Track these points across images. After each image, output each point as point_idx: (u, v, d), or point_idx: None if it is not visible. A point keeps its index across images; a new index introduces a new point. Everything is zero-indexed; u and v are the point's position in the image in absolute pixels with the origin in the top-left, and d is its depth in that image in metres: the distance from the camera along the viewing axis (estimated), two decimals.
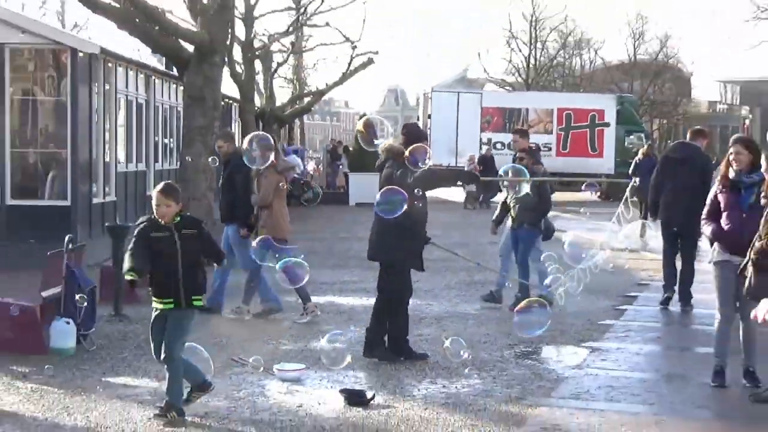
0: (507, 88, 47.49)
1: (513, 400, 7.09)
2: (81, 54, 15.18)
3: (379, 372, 7.95)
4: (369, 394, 7.08)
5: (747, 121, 56.72)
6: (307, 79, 31.13)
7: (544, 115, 29.69)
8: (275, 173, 9.89)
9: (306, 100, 29.15)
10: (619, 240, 12.71)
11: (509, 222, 10.59)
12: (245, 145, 8.54)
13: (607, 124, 29.35)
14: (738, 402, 7.15)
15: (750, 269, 6.40)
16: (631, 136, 30.72)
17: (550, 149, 28.11)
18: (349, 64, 28.31)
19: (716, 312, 7.61)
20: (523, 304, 7.89)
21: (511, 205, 10.40)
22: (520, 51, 50.91)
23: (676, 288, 11.06)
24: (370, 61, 27.68)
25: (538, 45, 50.99)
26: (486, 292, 10.80)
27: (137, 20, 15.25)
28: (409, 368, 7.97)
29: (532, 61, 50.84)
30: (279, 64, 28.98)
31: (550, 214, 11.18)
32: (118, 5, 15.03)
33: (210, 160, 11.67)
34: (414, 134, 8.42)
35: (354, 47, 28.01)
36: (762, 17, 40.59)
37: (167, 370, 6.68)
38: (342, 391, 7.14)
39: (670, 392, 7.56)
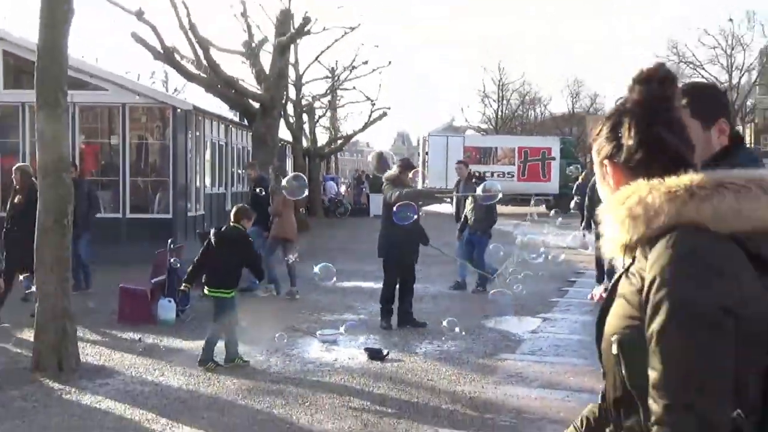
0: (482, 132, 46.96)
1: (487, 355, 7.05)
2: (179, 110, 14.66)
3: (392, 335, 7.86)
4: (384, 352, 7.00)
5: None
6: (339, 127, 30.64)
7: (509, 151, 28.96)
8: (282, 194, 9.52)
9: (339, 142, 28.51)
10: (565, 241, 12.52)
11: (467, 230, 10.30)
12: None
13: (554, 158, 28.64)
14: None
15: None
16: (571, 167, 30.00)
17: (513, 176, 27.47)
18: (370, 116, 27.57)
19: None
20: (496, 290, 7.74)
21: (470, 217, 10.15)
22: (491, 106, 50.36)
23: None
24: (384, 114, 27.28)
25: (504, 102, 50.44)
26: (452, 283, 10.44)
27: (219, 86, 14.75)
28: (412, 333, 7.89)
29: (499, 113, 50.23)
30: (320, 116, 28.13)
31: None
32: (205, 76, 14.45)
33: (257, 190, 10.77)
34: (406, 165, 8.52)
35: (373, 104, 27.33)
36: None
37: (226, 335, 6.67)
38: (365, 349, 7.07)
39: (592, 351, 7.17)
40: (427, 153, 28.24)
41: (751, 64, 43.24)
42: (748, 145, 2.05)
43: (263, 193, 10.09)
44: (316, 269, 7.38)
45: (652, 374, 1.13)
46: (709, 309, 1.13)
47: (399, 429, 4.99)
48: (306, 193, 7.52)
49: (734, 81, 42.21)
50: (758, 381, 1.20)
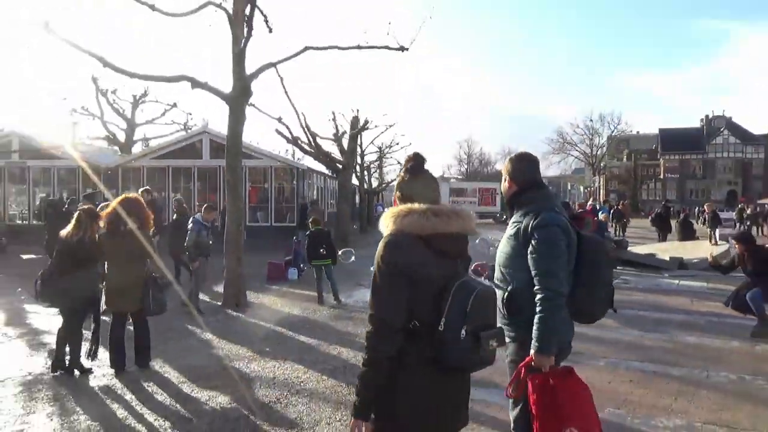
0: (459, 178, 60.19)
1: None
2: (300, 169, 21.65)
3: None
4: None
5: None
6: (385, 176, 40.42)
7: (473, 190, 44.10)
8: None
9: (384, 185, 37.72)
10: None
11: None
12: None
13: (498, 193, 41.90)
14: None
15: None
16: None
17: (475, 203, 41.52)
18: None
19: None
20: None
21: None
22: (464, 165, 70.66)
23: None
24: None
25: (472, 163, 70.39)
26: None
27: (320, 156, 21.63)
28: None
29: (469, 168, 74.35)
30: (373, 171, 37.86)
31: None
32: (313, 151, 21.05)
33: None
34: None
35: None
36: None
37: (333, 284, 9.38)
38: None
39: None
40: None
41: (602, 143, 76.33)
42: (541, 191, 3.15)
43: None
44: (340, 252, 9.67)
45: (370, 299, 2.13)
46: (391, 264, 2.11)
47: None
48: (353, 258, 9.85)
49: (595, 152, 75.76)
50: (428, 304, 2.11)
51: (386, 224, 2.24)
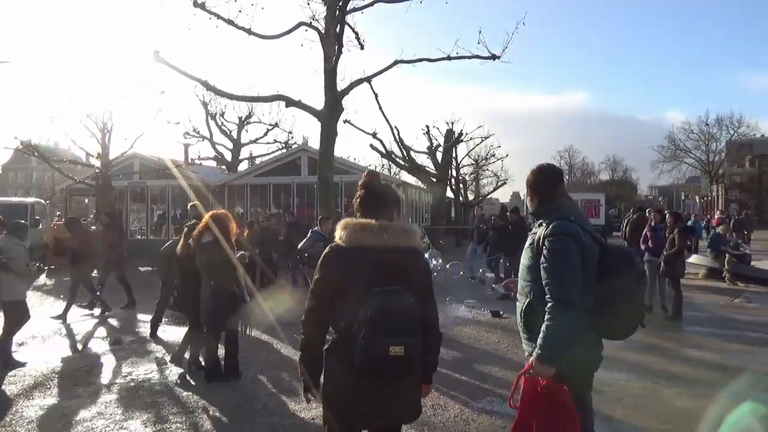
0: None
1: None
2: (395, 184, 21.57)
3: (498, 303, 10.81)
4: (501, 312, 9.48)
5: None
6: (480, 190, 41.11)
7: (576, 202, 40.48)
8: None
9: (480, 198, 38.09)
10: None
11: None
12: None
13: (602, 205, 38.93)
14: (654, 318, 8.62)
15: (663, 265, 8.93)
16: (611, 210, 40.34)
17: None
18: (497, 184, 38.35)
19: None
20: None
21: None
22: (566, 176, 69.12)
23: None
24: (504, 183, 37.14)
25: (574, 173, 74.57)
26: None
27: (415, 169, 22.78)
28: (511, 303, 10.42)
29: (572, 179, 73.47)
30: (469, 185, 38.49)
31: None
32: (406, 164, 22.62)
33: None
34: (513, 211, 13.41)
35: (498, 178, 38.27)
36: None
37: None
38: (490, 311, 9.61)
39: None
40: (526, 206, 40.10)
41: (720, 149, 66.78)
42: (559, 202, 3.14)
43: None
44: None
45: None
46: (319, 273, 2.56)
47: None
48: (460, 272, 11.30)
49: (712, 159, 66.66)
50: (352, 308, 2.44)
51: (339, 234, 2.59)
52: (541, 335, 2.83)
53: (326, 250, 2.59)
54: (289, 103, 9.94)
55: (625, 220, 17.10)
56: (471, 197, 37.06)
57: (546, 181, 3.16)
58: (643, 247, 9.62)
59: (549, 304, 2.83)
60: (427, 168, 23.80)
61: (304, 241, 9.39)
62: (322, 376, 2.60)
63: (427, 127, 25.73)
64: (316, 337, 2.59)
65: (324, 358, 2.58)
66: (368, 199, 2.65)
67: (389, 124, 21.25)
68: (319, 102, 10.35)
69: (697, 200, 79.96)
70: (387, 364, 2.41)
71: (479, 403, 5.27)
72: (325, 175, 9.79)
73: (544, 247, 2.94)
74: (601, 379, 4.22)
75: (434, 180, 23.32)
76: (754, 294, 11.92)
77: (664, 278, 9.54)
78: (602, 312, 2.84)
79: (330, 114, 10.04)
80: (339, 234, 2.56)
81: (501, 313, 9.33)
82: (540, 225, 3.06)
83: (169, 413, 5.18)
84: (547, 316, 2.83)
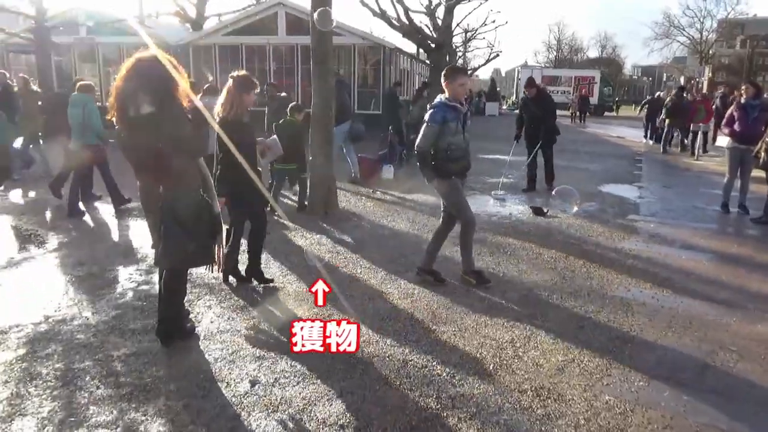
0: (547, 66, 54.89)
1: (620, 215, 7.45)
2: (387, 48, 19.30)
3: (538, 197, 8.46)
4: (545, 209, 7.58)
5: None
6: (470, 62, 38.74)
7: (568, 78, 40.09)
8: None
9: (471, 72, 35.56)
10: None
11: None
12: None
13: (596, 83, 39.28)
14: (733, 221, 7.60)
15: (763, 153, 7.14)
16: (605, 88, 40.40)
17: (570, 93, 36.93)
18: (489, 56, 36.09)
19: (726, 173, 7.92)
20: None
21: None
22: (552, 52, 66.80)
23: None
24: (497, 55, 34.37)
25: (561, 49, 67.34)
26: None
27: (411, 32, 19.14)
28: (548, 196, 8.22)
29: (558, 55, 68.45)
30: (459, 56, 36.20)
31: None
32: (402, 26, 18.87)
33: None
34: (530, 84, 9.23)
35: (491, 49, 35.71)
36: None
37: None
38: (531, 207, 7.79)
39: (699, 217, 7.64)
40: (519, 79, 37.12)
41: (714, 27, 64.81)
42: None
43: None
44: None
45: None
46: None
47: (593, 282, 4.80)
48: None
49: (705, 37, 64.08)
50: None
51: None
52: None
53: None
54: None
55: (668, 100, 15.91)
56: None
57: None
58: (726, 131, 7.82)
59: None
60: (426, 28, 20.50)
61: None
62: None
63: None
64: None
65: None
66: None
67: None
68: None
69: (682, 81, 77.08)
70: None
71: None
72: (323, 26, 6.94)
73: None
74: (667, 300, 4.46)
75: (432, 45, 20.11)
76: None
77: (749, 173, 7.78)
78: None
79: None
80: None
81: (545, 210, 7.59)
82: None
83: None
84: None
